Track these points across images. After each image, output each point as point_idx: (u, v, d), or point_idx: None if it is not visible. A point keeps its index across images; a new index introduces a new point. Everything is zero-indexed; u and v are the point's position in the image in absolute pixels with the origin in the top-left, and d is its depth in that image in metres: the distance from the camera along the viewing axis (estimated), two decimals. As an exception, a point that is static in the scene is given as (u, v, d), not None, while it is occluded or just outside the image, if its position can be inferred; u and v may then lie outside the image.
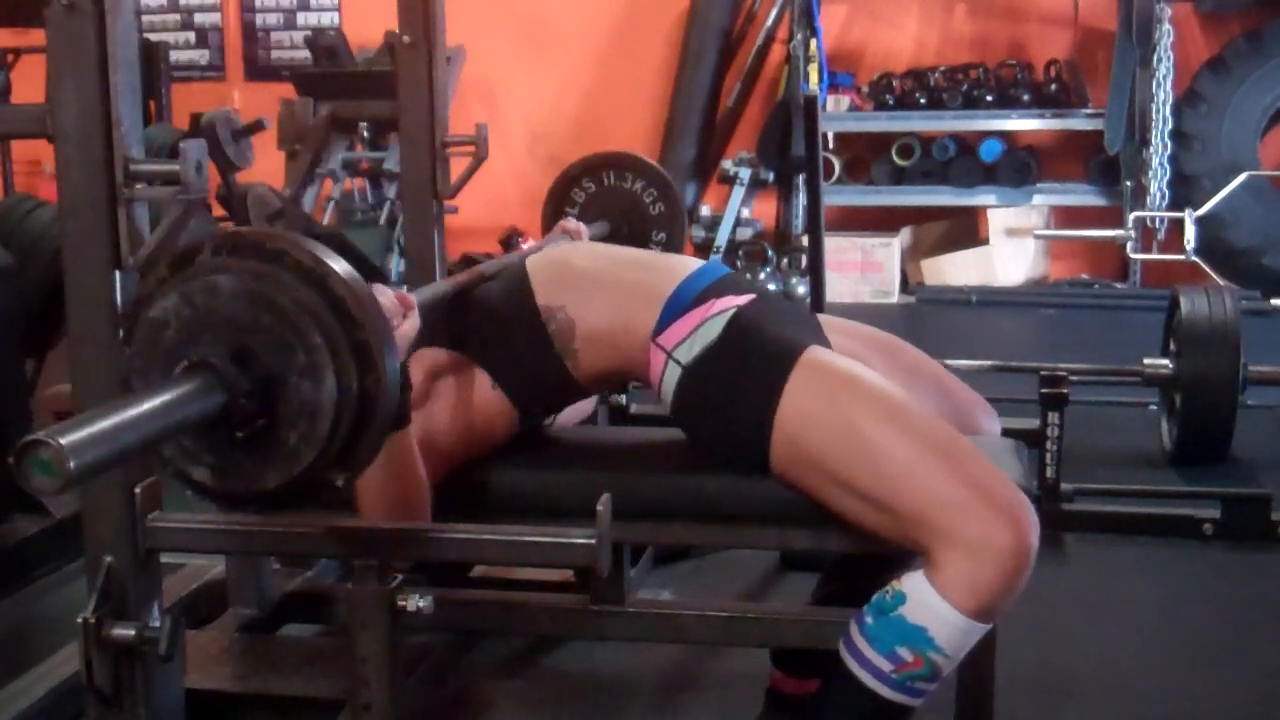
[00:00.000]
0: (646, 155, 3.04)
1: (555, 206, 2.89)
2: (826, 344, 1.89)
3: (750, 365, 1.78)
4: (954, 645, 1.61)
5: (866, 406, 1.70)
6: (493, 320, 1.92)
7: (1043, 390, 3.01)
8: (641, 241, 2.87)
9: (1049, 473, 3.01)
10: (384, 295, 1.60)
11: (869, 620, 1.65)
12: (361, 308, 1.31)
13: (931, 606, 1.60)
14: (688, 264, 1.96)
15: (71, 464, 1.10)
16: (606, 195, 2.90)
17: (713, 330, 1.82)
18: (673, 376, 1.83)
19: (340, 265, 1.33)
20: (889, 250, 6.53)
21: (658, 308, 1.86)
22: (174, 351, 1.31)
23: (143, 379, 1.34)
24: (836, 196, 6.59)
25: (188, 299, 1.31)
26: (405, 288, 1.83)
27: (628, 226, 2.88)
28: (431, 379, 1.88)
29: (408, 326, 1.67)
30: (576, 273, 1.95)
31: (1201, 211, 5.96)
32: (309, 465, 1.31)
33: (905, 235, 6.74)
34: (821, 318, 2.05)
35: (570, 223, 2.53)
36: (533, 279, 1.94)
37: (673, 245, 2.91)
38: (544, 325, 1.90)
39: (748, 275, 5.94)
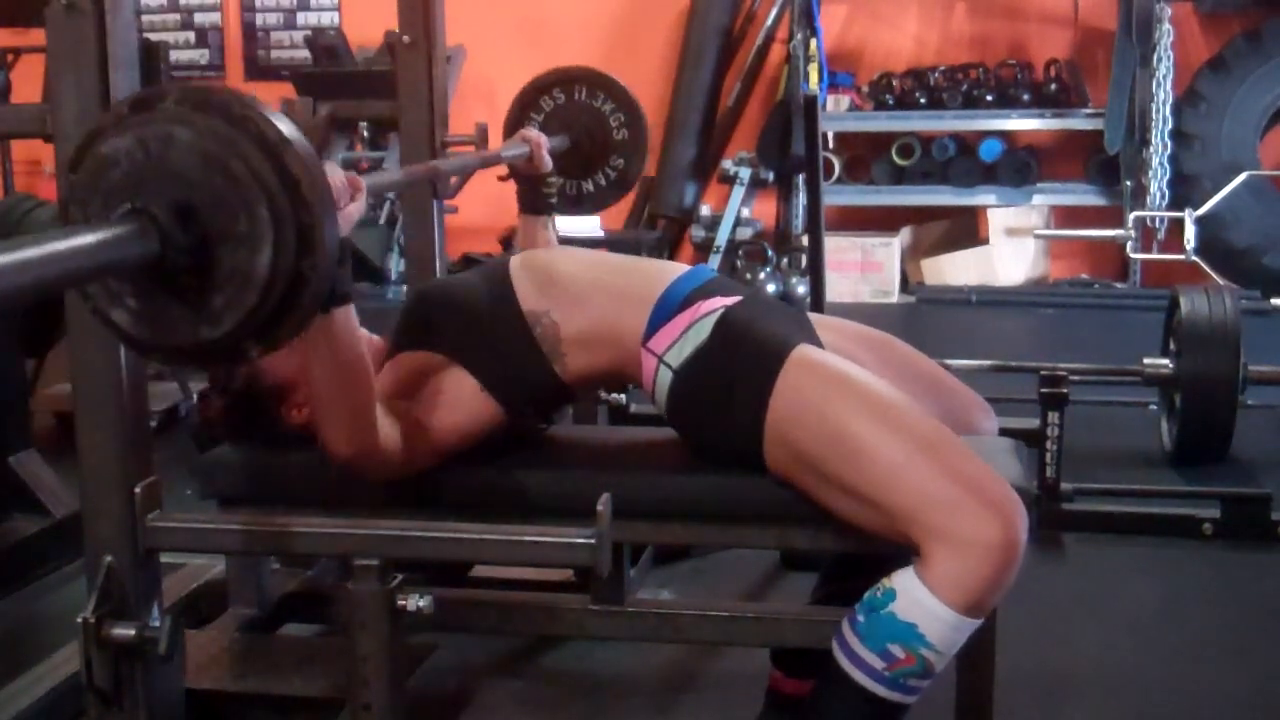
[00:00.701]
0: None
1: (522, 111, 2.85)
2: (818, 342, 1.89)
3: (740, 365, 1.78)
4: (945, 641, 1.61)
5: (856, 404, 1.71)
6: (479, 325, 1.92)
7: (1042, 390, 3.01)
8: (597, 163, 2.85)
9: (1049, 473, 3.01)
10: (335, 174, 1.60)
11: (860, 618, 1.65)
12: (314, 191, 1.29)
13: (922, 603, 1.60)
14: (674, 268, 1.96)
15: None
16: (574, 110, 2.86)
17: (702, 332, 1.82)
18: (665, 380, 1.83)
19: (302, 145, 1.31)
20: (889, 250, 6.53)
21: (646, 312, 1.86)
22: (118, 192, 1.29)
23: (82, 210, 1.32)
24: (836, 196, 6.59)
25: (143, 144, 1.29)
26: (405, 288, 1.83)
27: (589, 144, 2.85)
28: (420, 382, 1.87)
29: (354, 208, 1.67)
30: (561, 277, 1.95)
31: (1201, 211, 5.96)
32: (229, 331, 1.30)
33: (905, 235, 6.74)
34: (814, 316, 2.05)
35: (530, 131, 2.49)
36: (516, 284, 1.94)
37: (629, 175, 2.88)
38: (530, 329, 1.90)
39: (747, 275, 5.95)
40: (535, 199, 2.43)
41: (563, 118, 2.84)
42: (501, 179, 2.54)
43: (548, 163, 2.45)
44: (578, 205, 2.92)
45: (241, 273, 1.28)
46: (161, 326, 1.33)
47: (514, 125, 2.79)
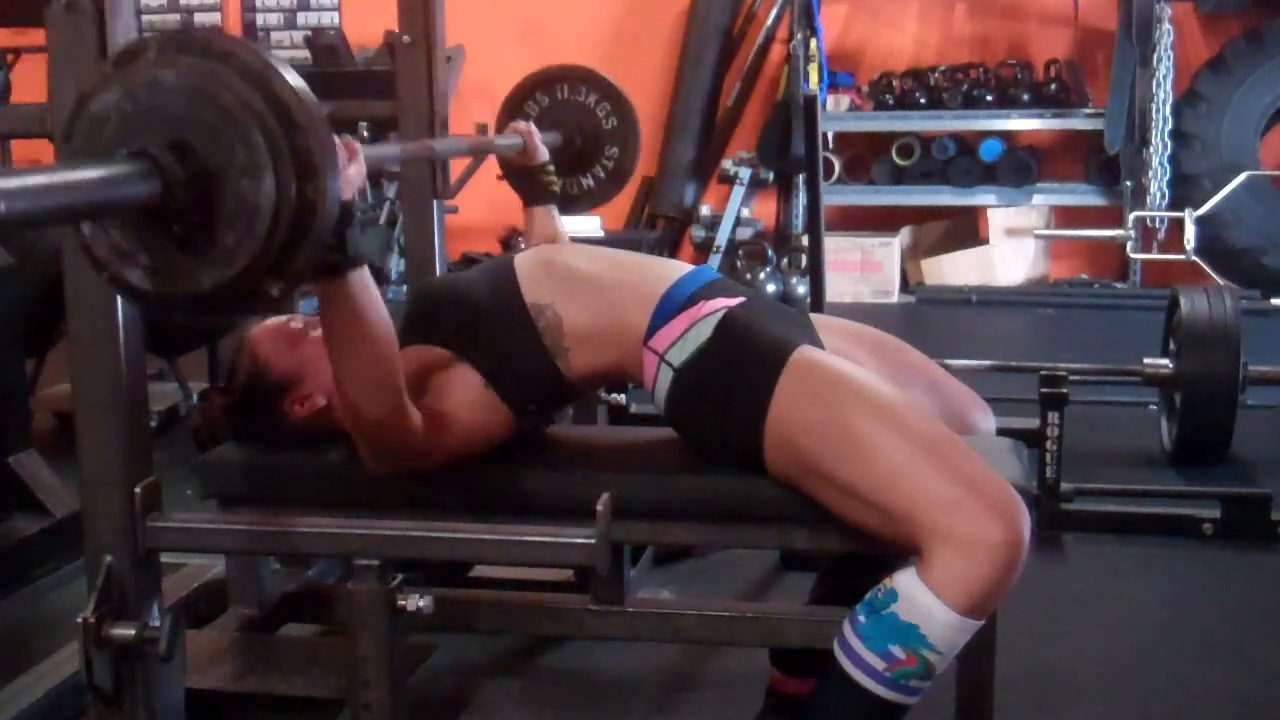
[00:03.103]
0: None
1: (508, 118, 2.87)
2: (819, 343, 1.89)
3: (741, 366, 1.78)
4: (946, 642, 1.61)
5: (857, 405, 1.70)
6: (483, 319, 1.92)
7: (1042, 390, 3.01)
8: (592, 156, 2.86)
9: (1049, 472, 3.01)
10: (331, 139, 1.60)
11: (862, 619, 1.65)
12: (305, 114, 1.29)
13: (923, 604, 1.60)
14: (678, 267, 1.96)
15: (3, 207, 1.06)
16: (560, 107, 2.88)
17: (703, 332, 1.82)
18: (665, 379, 1.83)
19: (289, 72, 1.31)
20: (889, 250, 6.53)
21: (648, 310, 1.86)
22: (113, 145, 1.29)
23: None
24: (836, 196, 6.59)
25: (130, 94, 1.29)
26: (405, 288, 1.83)
27: (581, 139, 2.86)
28: (424, 377, 1.87)
29: (353, 170, 1.66)
30: (564, 271, 1.95)
31: (1201, 211, 5.96)
32: (245, 268, 1.29)
33: (905, 235, 6.74)
34: (815, 317, 2.05)
35: (520, 124, 2.49)
36: (520, 277, 1.94)
37: (625, 161, 2.89)
38: (533, 323, 1.90)
39: (747, 275, 5.94)
40: (536, 189, 2.44)
41: (551, 118, 2.85)
42: (499, 178, 2.54)
43: (543, 152, 2.46)
44: (579, 203, 2.93)
45: (247, 204, 1.27)
46: (179, 276, 1.32)
47: (503, 127, 2.81)
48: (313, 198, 1.29)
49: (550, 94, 2.87)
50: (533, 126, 2.48)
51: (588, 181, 2.91)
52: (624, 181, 2.95)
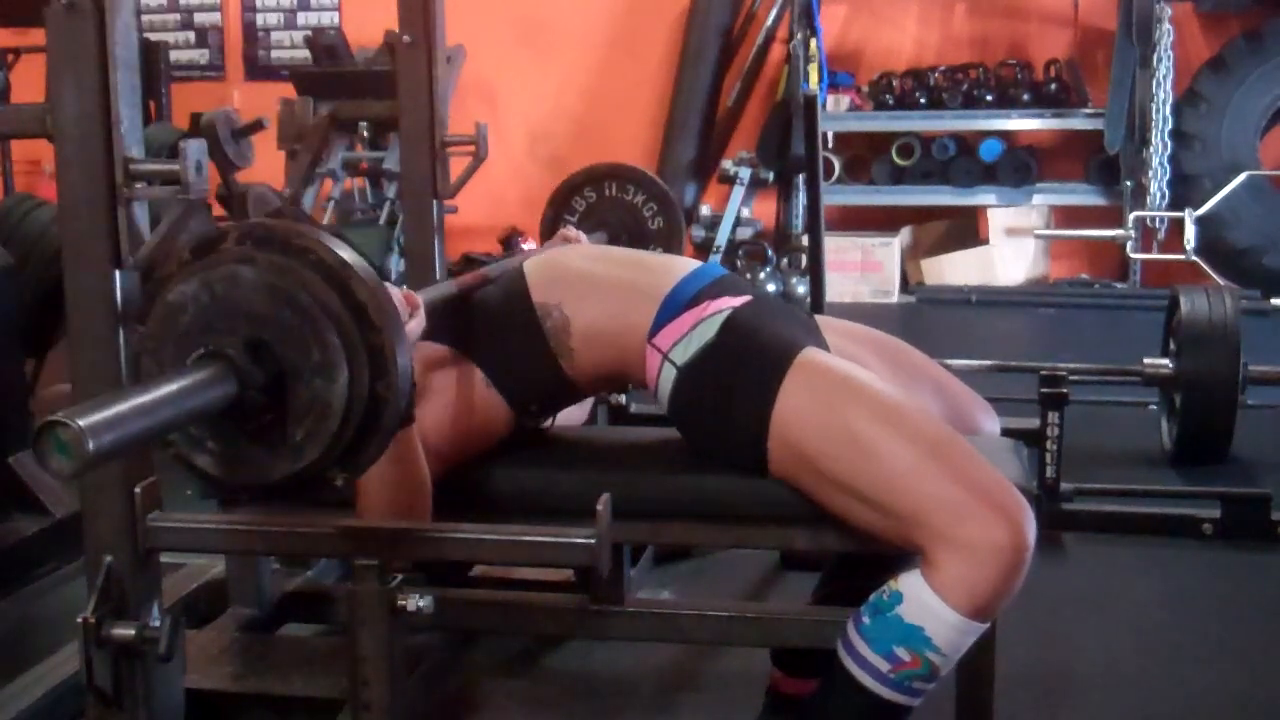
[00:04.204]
0: (647, 155, 3.05)
1: (556, 212, 2.90)
2: (823, 345, 1.89)
3: (746, 366, 1.78)
4: (951, 645, 1.61)
5: (862, 407, 1.70)
6: (489, 318, 1.92)
7: (1043, 390, 3.01)
8: None
9: (1049, 472, 3.01)
10: (393, 294, 1.61)
11: (866, 620, 1.65)
12: (381, 313, 1.32)
13: (928, 606, 1.60)
14: (684, 265, 1.96)
15: (90, 445, 1.10)
16: (606, 205, 2.91)
17: (708, 331, 1.82)
18: (669, 377, 1.83)
19: (364, 268, 1.34)
20: (889, 250, 6.53)
21: (654, 308, 1.86)
22: (189, 337, 1.31)
23: (155, 360, 1.35)
24: (836, 196, 6.59)
25: (208, 286, 1.31)
26: (405, 287, 1.83)
27: (626, 238, 2.89)
28: (426, 375, 1.88)
29: (414, 325, 1.69)
30: (573, 272, 1.95)
31: (1201, 211, 5.96)
32: (313, 462, 1.32)
33: (905, 235, 6.74)
34: (819, 318, 2.05)
35: (570, 231, 2.54)
36: (529, 277, 1.95)
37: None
38: (539, 323, 1.90)
39: (747, 275, 5.95)
40: None
41: (597, 215, 2.88)
42: None
43: None
44: None
45: (320, 402, 1.30)
46: (247, 466, 1.35)
47: (550, 227, 2.84)
48: (384, 395, 1.32)
49: (598, 190, 2.91)
50: (581, 235, 2.52)
51: None
52: None
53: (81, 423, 1.10)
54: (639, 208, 2.90)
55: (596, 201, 2.91)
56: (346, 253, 1.33)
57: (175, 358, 1.32)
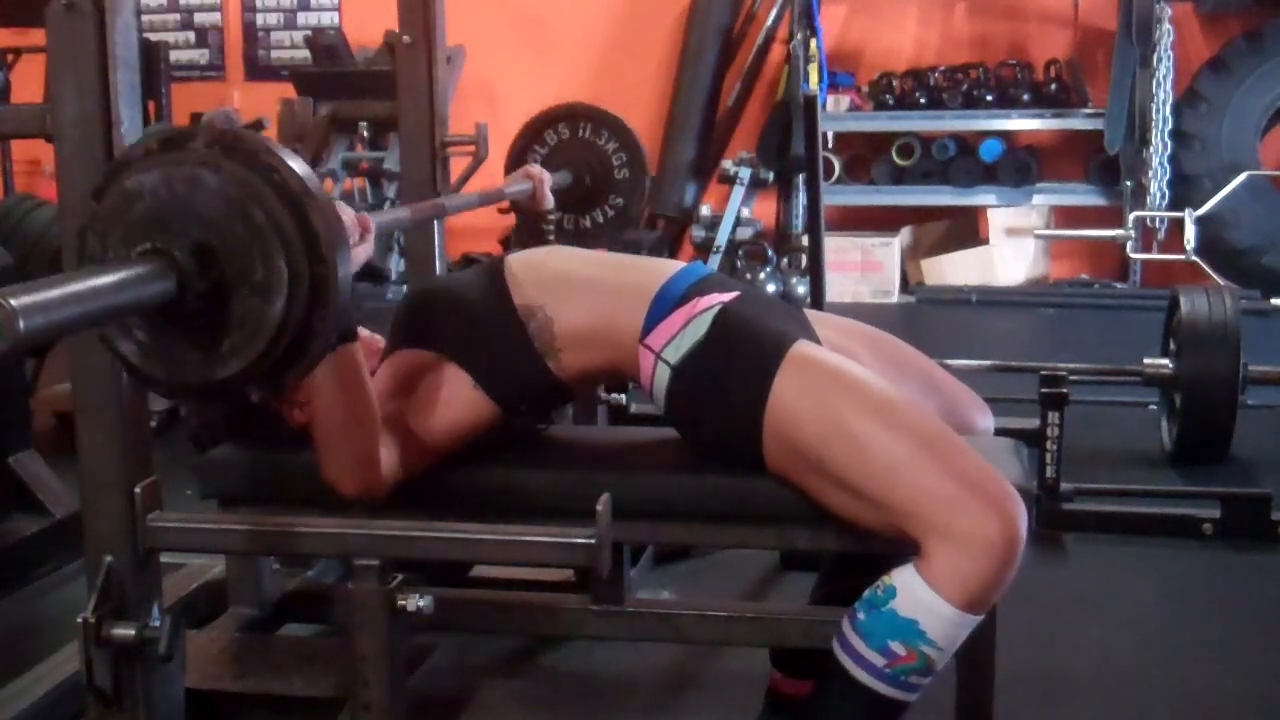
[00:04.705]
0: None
1: (526, 144, 2.88)
2: (815, 339, 1.89)
3: (738, 361, 1.78)
4: (946, 638, 1.61)
5: (854, 401, 1.70)
6: (472, 321, 1.92)
7: (1043, 390, 3.01)
8: (597, 200, 2.87)
9: (1049, 472, 3.01)
10: (345, 213, 1.62)
11: (861, 615, 1.65)
12: (331, 246, 1.31)
13: (922, 599, 1.60)
14: (670, 265, 1.95)
15: (21, 325, 1.09)
16: (576, 145, 2.89)
17: (699, 328, 1.81)
18: (663, 377, 1.83)
19: (323, 197, 1.33)
20: (889, 250, 6.53)
21: (643, 309, 1.86)
22: (139, 228, 1.31)
23: (100, 240, 1.34)
24: (836, 196, 6.60)
25: (168, 182, 1.31)
26: (405, 288, 1.84)
27: (590, 180, 2.87)
28: (412, 379, 1.87)
29: (362, 249, 1.70)
30: (555, 273, 1.95)
31: (1201, 211, 5.96)
32: (234, 374, 1.32)
33: (905, 235, 6.74)
34: (811, 313, 2.05)
35: (534, 168, 2.53)
36: (510, 279, 1.94)
37: (628, 214, 2.90)
38: (523, 325, 1.89)
39: (747, 275, 5.95)
40: (532, 234, 2.46)
41: (566, 154, 2.86)
42: (502, 212, 2.56)
43: (549, 200, 2.48)
44: (577, 240, 2.95)
45: (254, 320, 1.30)
46: (169, 363, 1.35)
47: (518, 158, 2.82)
48: (317, 326, 1.32)
49: (572, 129, 2.89)
50: (545, 174, 2.51)
51: (586, 223, 2.93)
52: (625, 228, 2.97)
53: (15, 303, 1.09)
54: (608, 154, 2.89)
55: (568, 140, 2.89)
56: (310, 179, 1.32)
57: (121, 243, 1.32)
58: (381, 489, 1.81)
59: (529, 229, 2.46)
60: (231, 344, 1.31)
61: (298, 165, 1.33)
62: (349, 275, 1.36)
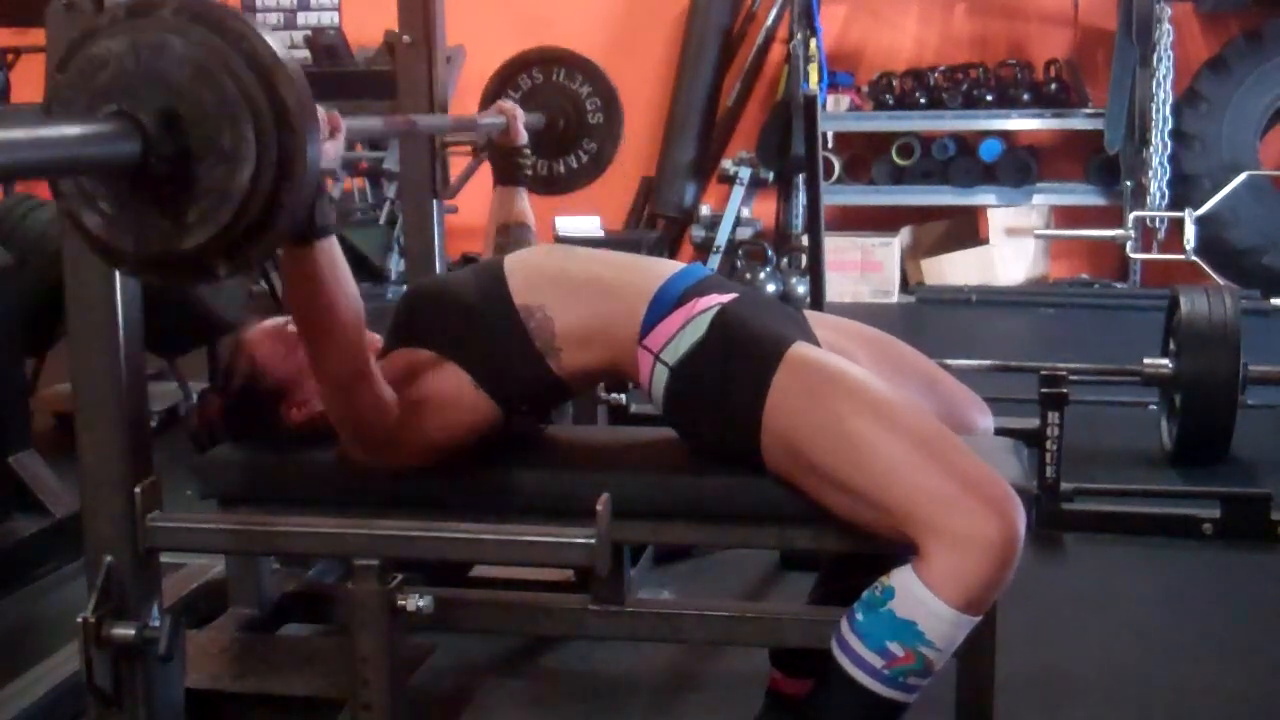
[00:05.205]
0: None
1: (499, 87, 2.87)
2: (814, 340, 1.89)
3: (736, 362, 1.78)
4: (944, 639, 1.61)
5: (852, 402, 1.70)
6: (472, 320, 1.92)
7: (1043, 390, 3.01)
8: (571, 144, 2.88)
9: (1049, 472, 3.01)
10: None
11: (859, 616, 1.65)
12: (301, 117, 1.29)
13: (920, 600, 1.60)
14: (669, 266, 1.95)
15: None
16: (550, 89, 2.88)
17: (698, 329, 1.82)
18: (661, 378, 1.83)
19: (294, 68, 1.30)
20: (889, 250, 6.53)
21: (641, 309, 1.86)
22: (105, 95, 1.28)
23: (65, 110, 1.31)
24: (836, 196, 6.59)
25: (134, 49, 1.28)
26: (405, 288, 1.84)
27: (564, 124, 2.87)
28: (412, 379, 1.87)
29: (332, 146, 1.66)
30: (555, 273, 1.95)
31: (1201, 211, 5.96)
32: (199, 245, 1.29)
33: (905, 235, 6.74)
34: (810, 314, 2.05)
35: (506, 103, 2.52)
36: (510, 279, 1.94)
37: (602, 159, 2.90)
38: (524, 325, 1.89)
39: (747, 275, 5.94)
40: (510, 170, 2.48)
41: (540, 97, 2.86)
42: (476, 152, 2.56)
43: (523, 135, 2.48)
44: (550, 185, 2.94)
45: (219, 189, 1.27)
46: (133, 233, 1.32)
47: (491, 99, 2.81)
48: (284, 199, 1.29)
49: (546, 73, 2.88)
50: (517, 108, 2.50)
51: (560, 168, 2.92)
52: (598, 174, 2.95)
53: None
54: (583, 99, 2.88)
55: (542, 84, 2.89)
56: (280, 49, 1.30)
57: (87, 111, 1.29)
58: (388, 411, 1.79)
59: (503, 167, 2.47)
60: (198, 212, 1.28)
61: (268, 35, 1.30)
62: (318, 155, 1.33)
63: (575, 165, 2.91)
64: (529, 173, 2.51)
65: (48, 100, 1.34)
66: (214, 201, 1.27)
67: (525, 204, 2.48)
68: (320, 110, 1.60)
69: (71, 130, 1.20)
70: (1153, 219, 6.21)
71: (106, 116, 1.25)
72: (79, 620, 1.62)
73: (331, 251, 1.64)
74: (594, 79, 2.88)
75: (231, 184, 1.27)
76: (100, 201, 1.33)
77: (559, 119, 2.85)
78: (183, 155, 1.27)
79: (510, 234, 2.43)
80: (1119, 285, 6.45)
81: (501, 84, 2.86)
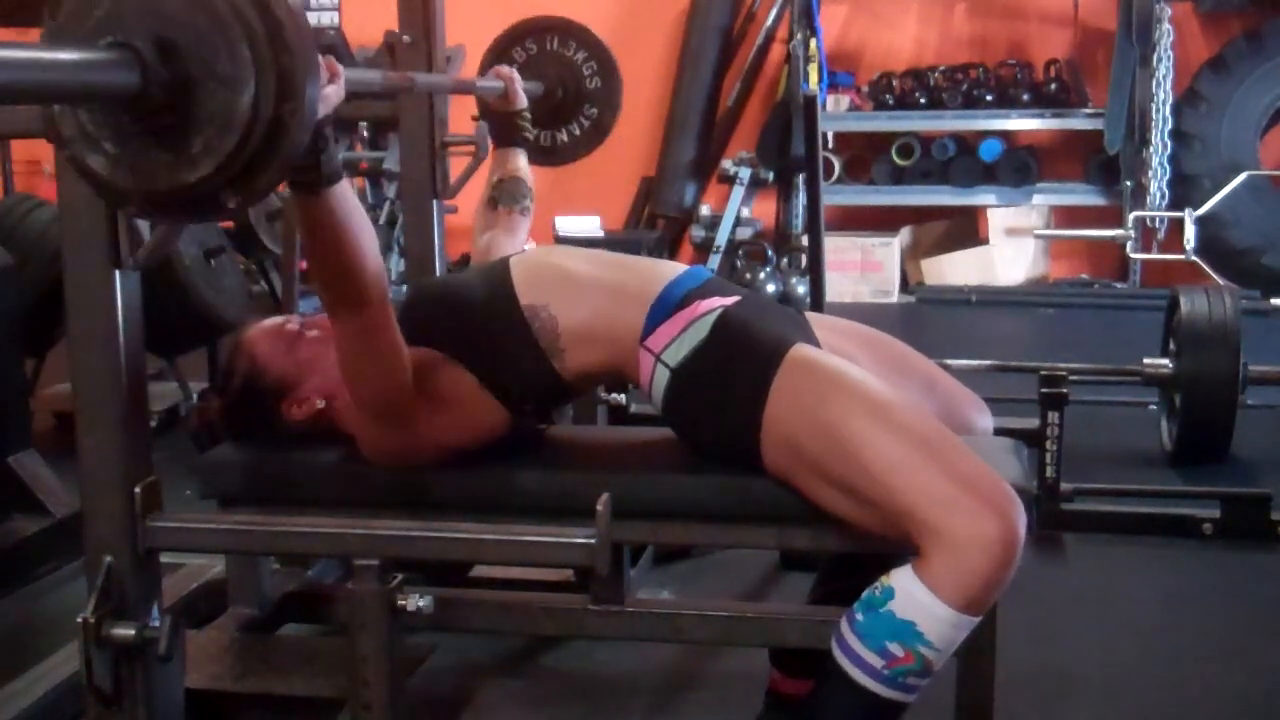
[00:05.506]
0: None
1: (495, 59, 2.88)
2: (815, 342, 1.89)
3: (737, 365, 1.78)
4: (943, 639, 1.61)
5: (853, 403, 1.71)
6: (478, 321, 1.92)
7: (1043, 390, 3.01)
8: (571, 112, 2.88)
9: (1049, 472, 3.01)
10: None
11: (859, 616, 1.65)
12: (296, 36, 1.28)
13: (920, 601, 1.60)
14: (672, 268, 1.96)
15: None
16: (547, 58, 2.89)
17: (700, 331, 1.82)
18: (662, 379, 1.83)
19: None
20: (889, 250, 6.53)
21: (644, 310, 1.86)
22: (101, 32, 1.26)
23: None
24: (836, 196, 6.59)
25: None
26: (405, 288, 1.83)
27: (563, 93, 2.87)
28: (419, 379, 1.87)
29: (333, 90, 1.65)
30: (560, 273, 1.95)
31: (1201, 211, 5.96)
32: (206, 175, 1.28)
33: (905, 235, 6.74)
34: (810, 315, 2.05)
35: (503, 68, 2.54)
36: (515, 279, 1.94)
37: (602, 125, 2.90)
38: (528, 324, 1.89)
39: (747, 275, 5.94)
40: (509, 132, 2.48)
41: (536, 67, 2.87)
42: (474, 119, 2.56)
43: (522, 99, 2.50)
44: (552, 155, 2.94)
45: (222, 114, 1.26)
46: (139, 170, 1.31)
47: (488, 66, 2.82)
48: (288, 120, 1.28)
49: (540, 43, 2.89)
50: (515, 73, 2.51)
51: (563, 136, 2.93)
52: (599, 141, 2.95)
53: None
54: (579, 65, 2.89)
55: (537, 53, 2.89)
56: None
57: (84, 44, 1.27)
58: (406, 373, 1.79)
59: (502, 132, 2.47)
60: (203, 142, 1.27)
61: None
62: (318, 73, 1.32)
63: (577, 133, 2.92)
64: (529, 135, 2.52)
65: (45, 38, 1.32)
66: (217, 129, 1.26)
67: (523, 162, 2.50)
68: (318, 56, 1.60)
69: (70, 55, 1.19)
70: (1153, 219, 6.21)
71: (104, 47, 1.24)
72: (79, 620, 1.62)
73: (345, 198, 1.63)
74: (588, 45, 2.89)
75: (233, 110, 1.26)
76: (103, 142, 1.31)
77: (557, 88, 2.86)
78: (182, 83, 1.26)
79: (504, 188, 2.44)
80: (1119, 285, 6.45)
81: (497, 57, 2.88)
